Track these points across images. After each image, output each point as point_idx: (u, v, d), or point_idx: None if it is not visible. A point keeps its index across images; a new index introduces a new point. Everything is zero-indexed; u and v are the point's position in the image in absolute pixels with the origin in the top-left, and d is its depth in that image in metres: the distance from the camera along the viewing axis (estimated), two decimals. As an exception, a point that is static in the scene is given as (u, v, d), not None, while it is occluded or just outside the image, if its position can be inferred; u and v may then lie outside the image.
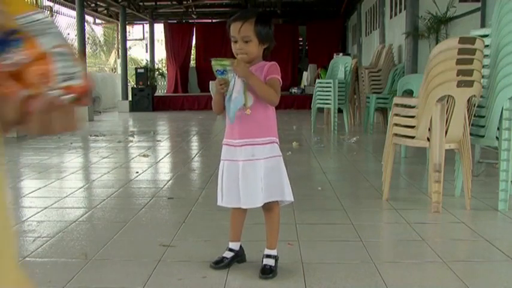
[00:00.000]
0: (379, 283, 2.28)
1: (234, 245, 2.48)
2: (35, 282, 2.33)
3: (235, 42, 2.21)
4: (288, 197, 2.32)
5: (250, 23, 2.19)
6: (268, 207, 2.35)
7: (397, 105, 3.67)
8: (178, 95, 16.21)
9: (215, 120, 11.65)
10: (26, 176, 4.96)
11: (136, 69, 15.20)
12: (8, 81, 0.77)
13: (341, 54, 12.96)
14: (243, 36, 2.19)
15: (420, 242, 2.85)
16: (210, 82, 13.40)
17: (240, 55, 2.21)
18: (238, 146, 2.28)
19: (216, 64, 2.20)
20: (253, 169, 2.25)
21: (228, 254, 2.46)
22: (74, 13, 12.91)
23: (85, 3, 13.28)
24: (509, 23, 3.36)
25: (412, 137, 3.50)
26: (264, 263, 2.35)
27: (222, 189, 2.34)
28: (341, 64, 8.96)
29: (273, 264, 2.34)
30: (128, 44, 17.51)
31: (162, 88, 18.77)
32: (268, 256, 2.37)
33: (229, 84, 2.20)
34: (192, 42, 18.44)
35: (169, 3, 16.69)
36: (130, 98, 14.80)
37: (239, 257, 2.48)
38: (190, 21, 18.71)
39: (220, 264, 2.42)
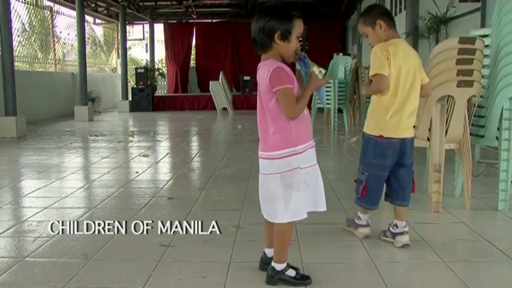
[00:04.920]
0: (379, 283, 2.28)
1: (269, 252, 2.40)
2: (35, 282, 2.33)
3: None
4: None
5: None
6: None
7: (397, 105, 3.67)
8: (178, 95, 16.21)
9: (215, 120, 11.65)
10: (26, 176, 4.96)
11: (136, 69, 15.20)
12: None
13: (341, 54, 12.95)
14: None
15: (420, 242, 2.85)
16: (210, 82, 13.42)
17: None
18: (313, 146, 2.29)
19: (313, 65, 2.22)
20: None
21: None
22: (74, 13, 12.91)
23: (85, 3, 13.28)
24: (509, 23, 3.36)
25: (412, 137, 3.51)
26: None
27: (307, 199, 2.23)
28: (341, 64, 8.96)
29: (270, 273, 2.28)
30: (128, 44, 17.51)
31: (162, 88, 18.78)
32: (269, 264, 2.32)
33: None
34: (192, 42, 18.45)
35: (169, 3, 16.69)
36: (130, 98, 14.81)
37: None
38: (190, 21, 18.71)
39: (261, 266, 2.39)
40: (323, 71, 2.20)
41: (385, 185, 2.86)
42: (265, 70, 2.14)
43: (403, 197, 2.79)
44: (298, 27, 2.14)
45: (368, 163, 2.76)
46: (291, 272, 2.27)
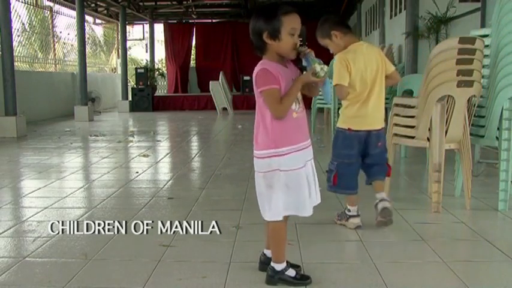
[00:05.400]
0: (379, 283, 2.28)
1: (268, 252, 2.40)
2: (35, 282, 2.33)
3: (294, 35, 2.14)
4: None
5: None
6: None
7: (397, 105, 3.67)
8: (178, 95, 16.20)
9: (215, 120, 11.65)
10: (26, 176, 4.96)
11: (136, 69, 15.20)
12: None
13: (341, 54, 12.94)
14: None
15: (420, 242, 2.85)
16: (210, 82, 13.41)
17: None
18: (309, 146, 2.27)
19: (315, 62, 2.18)
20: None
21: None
22: (74, 13, 12.91)
23: (85, 3, 13.28)
24: (509, 23, 3.36)
25: (412, 137, 3.50)
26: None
27: (288, 202, 2.20)
28: (341, 64, 8.94)
29: (269, 274, 2.28)
30: (128, 44, 17.51)
31: (162, 88, 18.77)
32: (269, 264, 2.33)
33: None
34: (192, 42, 18.45)
35: (169, 3, 16.68)
36: (130, 98, 14.80)
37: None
38: (190, 21, 18.71)
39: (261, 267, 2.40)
40: (325, 68, 2.17)
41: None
42: (254, 71, 2.17)
43: (378, 172, 3.09)
44: (288, 24, 2.10)
45: (337, 153, 3.08)
46: (291, 272, 2.27)
